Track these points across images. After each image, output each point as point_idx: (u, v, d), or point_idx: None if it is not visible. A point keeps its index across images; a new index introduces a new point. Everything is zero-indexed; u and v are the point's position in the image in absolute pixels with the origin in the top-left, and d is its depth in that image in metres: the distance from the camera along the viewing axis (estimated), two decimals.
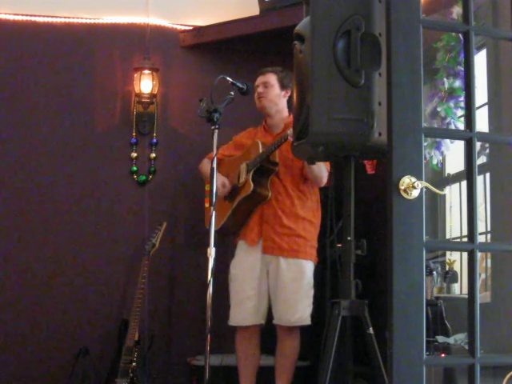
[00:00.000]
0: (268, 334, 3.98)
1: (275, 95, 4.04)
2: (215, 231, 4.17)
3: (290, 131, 3.71)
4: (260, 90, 4.03)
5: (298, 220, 3.91)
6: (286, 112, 4.09)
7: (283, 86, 4.05)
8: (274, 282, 3.91)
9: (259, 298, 3.93)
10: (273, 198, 3.93)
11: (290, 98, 4.05)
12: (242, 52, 4.97)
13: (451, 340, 3.31)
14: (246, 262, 3.97)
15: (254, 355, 3.97)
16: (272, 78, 4.04)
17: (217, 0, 5.05)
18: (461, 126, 3.65)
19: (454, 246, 3.23)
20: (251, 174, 3.95)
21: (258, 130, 4.20)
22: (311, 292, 3.90)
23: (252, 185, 3.91)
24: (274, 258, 3.90)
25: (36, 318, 4.68)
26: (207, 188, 4.02)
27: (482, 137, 2.53)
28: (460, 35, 3.31)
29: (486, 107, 3.60)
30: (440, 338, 3.33)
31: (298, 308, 3.84)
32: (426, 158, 3.64)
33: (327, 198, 3.87)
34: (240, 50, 4.98)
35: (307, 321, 3.87)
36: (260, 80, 4.07)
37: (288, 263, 3.88)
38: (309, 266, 3.91)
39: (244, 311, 3.93)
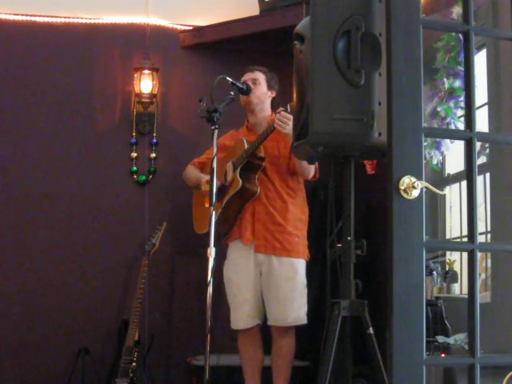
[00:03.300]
0: (267, 334, 3.98)
1: (263, 93, 4.05)
2: (205, 234, 4.19)
3: (276, 117, 3.70)
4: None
5: (290, 217, 3.91)
6: (269, 111, 4.09)
7: (270, 87, 4.08)
8: (267, 283, 3.90)
9: (256, 299, 3.92)
10: (263, 196, 3.92)
11: (274, 99, 4.09)
12: (242, 52, 4.97)
13: (451, 340, 3.31)
14: (240, 264, 3.96)
15: (257, 355, 3.96)
16: (261, 77, 4.06)
17: (217, 0, 5.05)
18: (461, 126, 3.65)
19: (454, 245, 3.24)
20: (238, 170, 3.94)
21: (240, 131, 4.19)
22: (305, 290, 3.89)
23: (240, 181, 3.90)
24: (267, 257, 3.89)
25: (36, 318, 4.68)
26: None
27: (482, 137, 2.53)
28: (460, 35, 3.31)
29: (486, 107, 3.60)
30: (440, 338, 3.33)
31: (294, 307, 3.83)
32: (426, 158, 3.64)
33: (327, 197, 3.87)
34: (240, 50, 4.98)
35: (304, 320, 3.86)
36: (248, 76, 4.07)
37: (281, 262, 3.87)
38: (301, 265, 3.90)
39: (243, 314, 3.92)
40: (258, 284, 3.94)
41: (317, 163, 3.88)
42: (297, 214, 3.95)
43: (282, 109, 3.73)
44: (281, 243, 3.88)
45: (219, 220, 3.96)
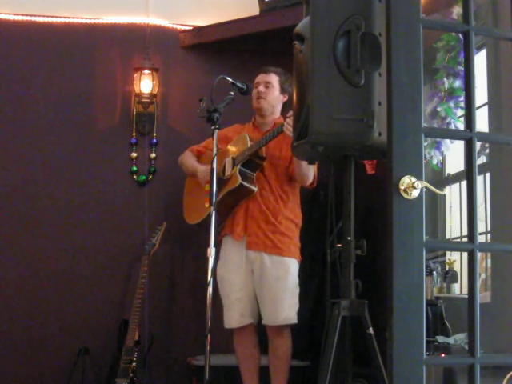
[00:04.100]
0: (265, 333, 3.98)
1: (274, 97, 4.03)
2: (197, 224, 4.19)
3: (286, 121, 3.69)
4: (261, 89, 4.00)
5: (282, 218, 3.91)
6: (278, 114, 4.08)
7: (283, 90, 4.04)
8: (259, 282, 3.90)
9: (248, 298, 3.92)
10: (258, 194, 3.92)
11: (286, 102, 4.06)
12: (242, 52, 4.97)
13: (451, 340, 3.31)
14: (231, 262, 3.95)
15: (254, 355, 3.95)
16: (274, 79, 4.03)
17: (217, 0, 5.05)
18: (461, 126, 3.65)
19: (454, 245, 3.24)
20: (238, 167, 3.93)
21: (246, 126, 4.18)
22: (297, 290, 3.88)
23: (239, 178, 3.90)
24: (258, 255, 3.89)
25: (36, 318, 4.68)
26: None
27: (482, 137, 2.53)
28: (460, 35, 3.31)
29: (486, 107, 3.60)
30: (440, 338, 3.33)
31: (284, 307, 3.82)
32: (426, 158, 3.64)
33: (327, 197, 3.87)
34: (240, 50, 4.98)
35: (294, 320, 3.85)
36: (262, 78, 4.04)
37: (272, 261, 3.87)
38: (293, 265, 3.89)
39: (235, 313, 3.92)
40: (250, 282, 3.93)
41: (315, 171, 3.88)
42: (289, 216, 3.94)
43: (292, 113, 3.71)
44: (272, 242, 3.87)
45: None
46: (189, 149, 4.35)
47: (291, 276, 3.87)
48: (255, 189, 3.92)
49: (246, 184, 3.91)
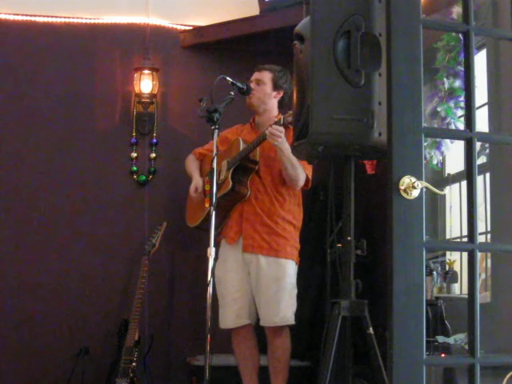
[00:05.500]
0: (264, 334, 3.98)
1: (265, 94, 4.01)
2: (195, 227, 4.20)
3: (268, 130, 3.71)
4: (252, 86, 4.01)
5: (278, 220, 3.89)
6: (275, 112, 4.05)
7: (276, 87, 4.01)
8: (256, 283, 3.89)
9: (245, 299, 3.91)
10: (252, 197, 3.91)
11: (283, 98, 4.06)
12: (242, 52, 4.97)
13: (451, 340, 3.31)
14: (228, 263, 3.94)
15: (252, 355, 3.94)
16: (266, 77, 4.02)
17: (217, 0, 5.05)
18: (461, 126, 3.65)
19: (454, 245, 3.24)
20: (231, 171, 3.93)
21: (245, 127, 4.18)
22: (294, 291, 3.86)
23: (231, 183, 3.89)
24: (254, 257, 3.88)
25: (36, 318, 4.68)
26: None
27: (482, 137, 2.53)
28: (460, 35, 3.31)
29: (486, 107, 3.60)
30: (440, 338, 3.33)
31: (281, 308, 3.81)
32: (426, 158, 3.64)
33: (327, 197, 3.87)
34: (240, 50, 4.98)
35: (291, 320, 3.83)
36: (254, 76, 4.05)
37: (268, 262, 3.85)
38: (290, 266, 3.87)
39: (231, 313, 3.91)
40: (247, 283, 3.92)
41: (310, 173, 3.88)
42: (286, 217, 3.91)
43: (275, 119, 3.72)
44: (268, 244, 3.86)
45: (209, 217, 3.95)
46: (192, 152, 4.35)
47: (288, 277, 3.85)
48: (248, 192, 3.91)
49: (237, 188, 3.91)
